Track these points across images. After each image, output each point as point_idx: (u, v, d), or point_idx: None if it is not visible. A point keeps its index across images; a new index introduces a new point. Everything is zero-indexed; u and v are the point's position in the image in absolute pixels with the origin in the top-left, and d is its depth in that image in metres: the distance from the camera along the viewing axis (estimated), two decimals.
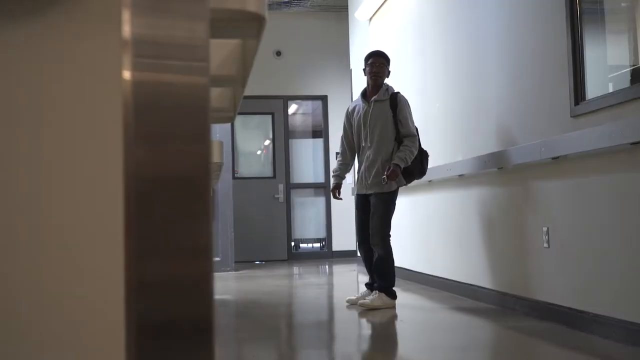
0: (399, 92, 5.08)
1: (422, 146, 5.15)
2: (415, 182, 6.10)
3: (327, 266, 9.06)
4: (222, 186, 8.05)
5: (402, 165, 4.86)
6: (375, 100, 5.02)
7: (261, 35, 0.99)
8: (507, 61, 4.55)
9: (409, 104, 5.05)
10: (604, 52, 3.76)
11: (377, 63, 5.05)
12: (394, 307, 4.84)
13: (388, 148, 4.96)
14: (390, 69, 5.14)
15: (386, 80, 5.16)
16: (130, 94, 0.74)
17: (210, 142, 0.77)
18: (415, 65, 6.52)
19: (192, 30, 0.77)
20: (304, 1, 9.81)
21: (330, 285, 7.13)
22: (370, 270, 5.06)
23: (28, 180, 0.73)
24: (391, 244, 4.95)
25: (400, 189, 5.08)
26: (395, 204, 5.01)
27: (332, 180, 5.38)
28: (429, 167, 5.82)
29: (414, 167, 4.99)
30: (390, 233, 4.96)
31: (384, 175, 4.83)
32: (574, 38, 3.72)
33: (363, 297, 5.00)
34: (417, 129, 5.06)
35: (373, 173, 4.95)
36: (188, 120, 0.76)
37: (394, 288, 4.94)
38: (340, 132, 5.38)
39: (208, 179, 0.76)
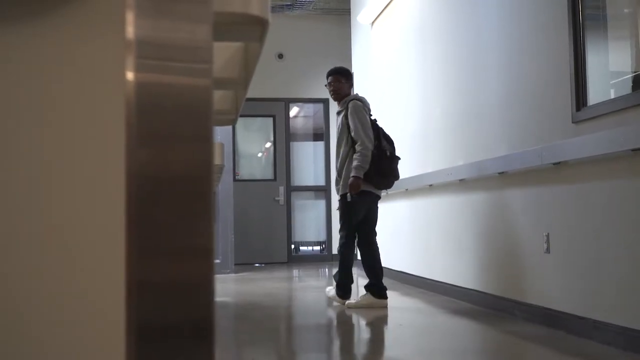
0: (353, 99, 5.13)
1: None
2: (416, 186, 6.12)
3: (327, 269, 9.05)
4: (223, 188, 8.05)
5: (360, 174, 4.91)
6: (337, 113, 5.28)
7: (264, 38, 0.98)
8: (508, 66, 4.55)
9: (361, 109, 5.07)
10: (606, 58, 3.77)
11: (333, 81, 5.22)
12: (384, 307, 4.88)
13: (343, 154, 5.10)
14: (351, 82, 5.31)
15: (362, 90, 5.32)
16: (133, 95, 0.74)
17: (213, 143, 0.77)
18: (417, 69, 6.52)
19: (195, 32, 0.77)
20: (306, 4, 9.82)
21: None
22: (368, 272, 5.12)
23: (28, 180, 0.73)
24: (348, 246, 5.14)
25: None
26: (355, 210, 5.03)
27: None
28: (430, 171, 5.83)
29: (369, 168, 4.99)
30: (344, 235, 5.13)
31: (341, 182, 5.01)
32: (576, 44, 3.73)
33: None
34: (381, 129, 5.11)
35: (336, 179, 5.16)
36: (191, 121, 0.76)
37: (387, 290, 5.02)
38: None
39: (210, 180, 0.76)
